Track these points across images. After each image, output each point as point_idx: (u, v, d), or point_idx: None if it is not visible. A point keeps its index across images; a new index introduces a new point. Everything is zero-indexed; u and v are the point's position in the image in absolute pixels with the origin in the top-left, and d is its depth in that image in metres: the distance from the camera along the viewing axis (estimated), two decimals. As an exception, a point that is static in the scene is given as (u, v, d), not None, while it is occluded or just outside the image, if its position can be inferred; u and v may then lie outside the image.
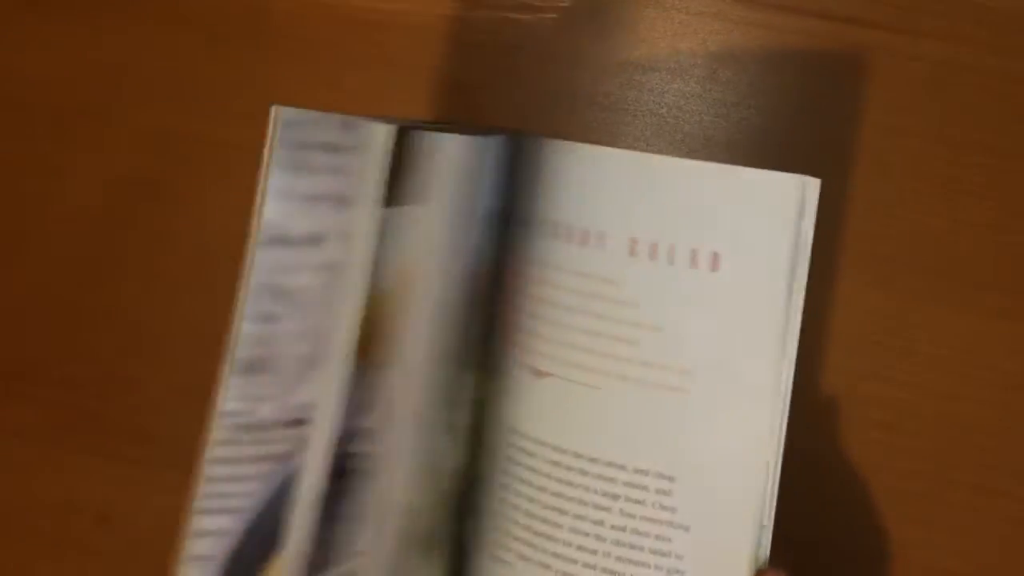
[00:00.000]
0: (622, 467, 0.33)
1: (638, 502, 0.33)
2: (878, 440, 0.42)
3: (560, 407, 0.34)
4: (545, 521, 0.34)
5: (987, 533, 0.42)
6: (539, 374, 0.34)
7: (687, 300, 0.32)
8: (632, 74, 0.42)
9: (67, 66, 0.45)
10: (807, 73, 0.40)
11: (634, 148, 0.42)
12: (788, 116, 0.41)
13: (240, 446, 0.28)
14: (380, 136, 0.26)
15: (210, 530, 0.29)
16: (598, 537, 0.33)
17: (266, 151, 0.27)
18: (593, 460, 0.33)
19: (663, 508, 0.32)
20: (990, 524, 0.42)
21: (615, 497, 0.33)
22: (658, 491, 0.32)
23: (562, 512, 0.34)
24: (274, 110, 0.28)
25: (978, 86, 0.39)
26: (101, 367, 0.47)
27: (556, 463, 0.34)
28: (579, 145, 0.35)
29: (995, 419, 0.41)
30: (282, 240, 0.28)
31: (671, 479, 0.32)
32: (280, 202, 0.27)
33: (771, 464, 0.33)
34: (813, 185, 0.30)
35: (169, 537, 0.46)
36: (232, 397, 0.28)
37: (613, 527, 0.33)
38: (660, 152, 0.42)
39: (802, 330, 0.42)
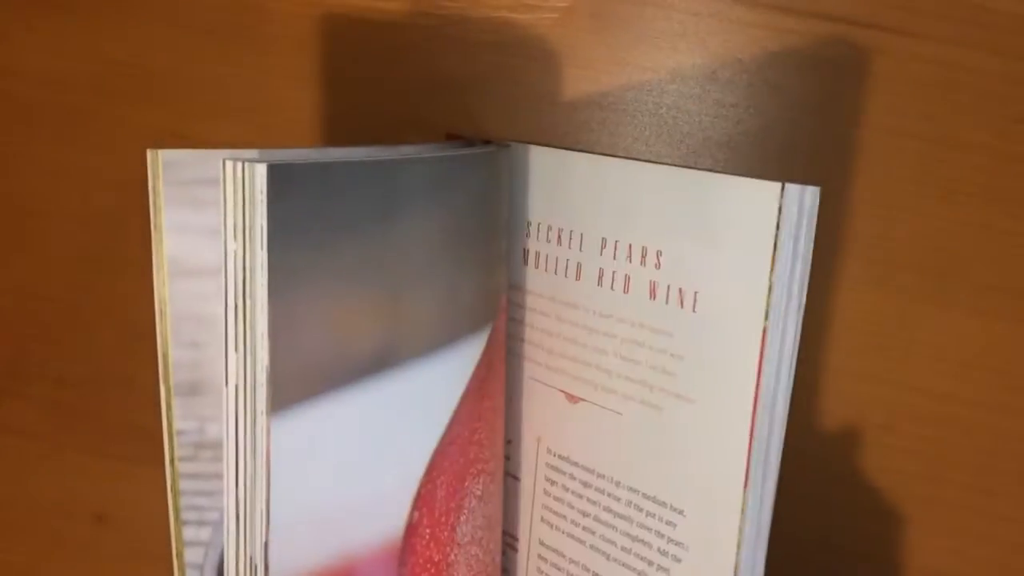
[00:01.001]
0: (636, 491, 0.33)
1: (646, 528, 0.33)
2: (876, 441, 0.42)
3: (589, 431, 0.35)
4: (572, 536, 0.36)
5: (984, 534, 0.42)
6: (572, 399, 0.35)
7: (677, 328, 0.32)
8: (632, 74, 0.41)
9: (67, 66, 0.45)
10: (807, 73, 0.40)
11: (633, 148, 0.42)
12: (788, 117, 0.40)
13: (200, 463, 0.30)
14: (237, 173, 0.26)
15: (191, 540, 0.31)
16: (609, 557, 0.34)
17: (151, 192, 0.29)
18: (617, 483, 0.34)
19: (670, 541, 0.33)
20: (987, 525, 0.42)
21: (628, 519, 0.34)
22: (667, 522, 0.32)
23: (588, 530, 0.35)
24: (151, 154, 0.29)
25: (979, 87, 0.39)
26: (99, 366, 0.47)
27: (585, 483, 0.35)
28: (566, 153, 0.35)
29: (993, 420, 0.41)
30: (192, 272, 0.29)
31: (680, 512, 0.32)
32: (180, 237, 0.29)
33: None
34: (811, 194, 0.29)
35: (166, 535, 0.46)
36: (180, 417, 0.29)
37: (623, 548, 0.34)
38: (659, 153, 0.42)
39: (801, 331, 0.42)
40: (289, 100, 0.44)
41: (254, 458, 0.27)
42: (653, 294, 0.32)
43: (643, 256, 0.32)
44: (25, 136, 0.46)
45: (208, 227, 0.30)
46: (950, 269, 0.40)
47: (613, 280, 0.33)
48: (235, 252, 0.26)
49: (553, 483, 0.36)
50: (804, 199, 0.28)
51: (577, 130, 0.42)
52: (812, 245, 0.29)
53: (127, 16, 0.44)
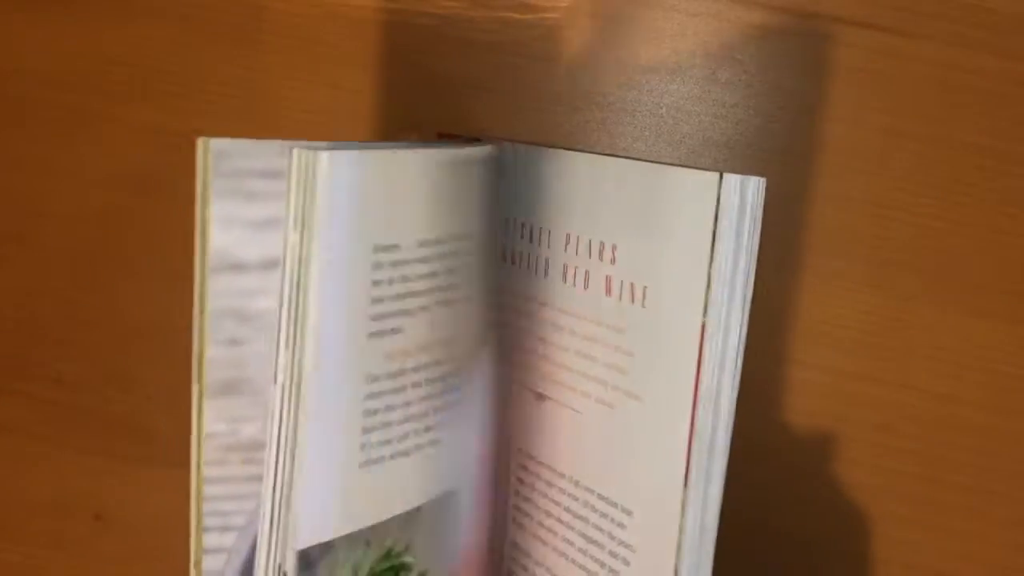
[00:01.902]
0: (591, 492, 0.33)
1: (600, 529, 0.33)
2: (873, 441, 0.42)
3: (553, 430, 0.34)
4: (536, 537, 0.35)
5: (981, 534, 0.42)
6: (539, 397, 0.35)
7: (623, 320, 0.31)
8: (632, 74, 0.42)
9: (67, 65, 0.45)
10: (807, 74, 0.40)
11: (633, 148, 0.42)
12: (787, 117, 0.40)
13: (229, 466, 0.29)
14: (304, 162, 0.25)
15: (213, 547, 0.30)
16: (568, 558, 0.34)
17: (199, 182, 0.28)
18: (576, 483, 0.33)
19: (620, 543, 0.32)
20: (984, 525, 0.42)
21: (585, 520, 0.33)
22: (617, 524, 0.32)
23: (551, 531, 0.35)
24: (201, 142, 0.28)
25: (978, 87, 0.39)
26: (98, 365, 0.47)
27: (549, 483, 0.35)
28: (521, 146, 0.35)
29: (990, 421, 0.41)
30: (236, 266, 0.28)
31: (629, 513, 0.31)
32: (227, 229, 0.28)
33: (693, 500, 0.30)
34: (754, 185, 0.27)
35: (166, 535, 0.46)
36: (213, 419, 0.28)
37: (580, 549, 0.33)
38: (659, 153, 0.42)
39: (798, 331, 0.42)
40: (289, 99, 0.44)
41: (292, 459, 0.26)
42: (609, 290, 0.31)
43: (600, 251, 0.31)
44: (25, 135, 0.46)
45: (255, 220, 0.29)
46: (949, 269, 0.40)
47: (575, 276, 0.32)
48: (295, 244, 0.25)
49: (523, 483, 0.36)
50: (746, 190, 0.27)
51: (577, 130, 0.42)
52: (758, 239, 0.28)
53: (126, 15, 0.44)
